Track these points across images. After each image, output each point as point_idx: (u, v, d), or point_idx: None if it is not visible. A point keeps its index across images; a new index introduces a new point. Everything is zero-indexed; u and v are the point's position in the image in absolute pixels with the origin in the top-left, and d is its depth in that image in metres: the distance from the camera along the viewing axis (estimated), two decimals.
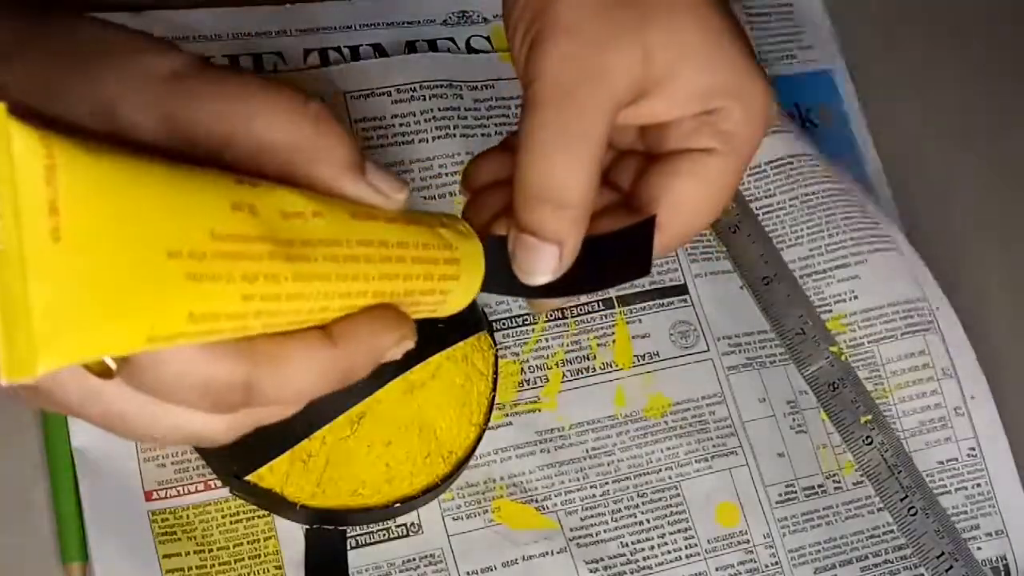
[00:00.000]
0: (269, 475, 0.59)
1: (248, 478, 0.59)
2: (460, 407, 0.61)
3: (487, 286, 0.46)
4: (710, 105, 0.46)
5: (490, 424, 0.64)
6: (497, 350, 0.64)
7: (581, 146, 0.44)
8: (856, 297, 0.73)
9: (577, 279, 0.46)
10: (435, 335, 0.59)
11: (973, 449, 0.72)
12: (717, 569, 0.67)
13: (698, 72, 0.45)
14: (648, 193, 0.48)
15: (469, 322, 0.62)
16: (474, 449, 0.63)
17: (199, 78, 0.38)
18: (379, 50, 0.72)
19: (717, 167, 0.47)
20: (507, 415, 0.67)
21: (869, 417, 0.69)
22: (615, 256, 0.46)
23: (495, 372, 0.63)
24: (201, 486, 0.62)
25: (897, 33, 0.78)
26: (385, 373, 0.58)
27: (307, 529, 0.62)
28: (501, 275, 0.46)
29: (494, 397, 0.63)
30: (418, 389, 0.59)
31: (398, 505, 0.61)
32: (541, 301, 0.50)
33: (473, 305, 0.63)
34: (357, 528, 0.63)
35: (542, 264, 0.45)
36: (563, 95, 0.43)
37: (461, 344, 0.61)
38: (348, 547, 0.62)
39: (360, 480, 0.59)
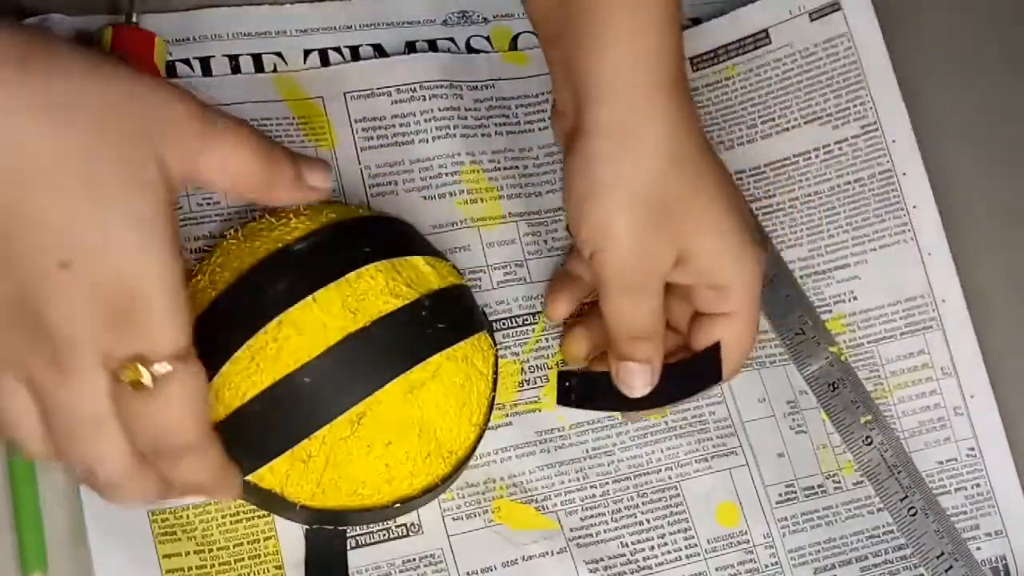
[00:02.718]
0: (269, 475, 0.59)
1: (248, 478, 0.59)
2: (460, 407, 0.61)
3: (598, 406, 0.66)
4: (716, 283, 0.63)
5: (490, 424, 0.64)
6: (497, 350, 0.64)
7: (646, 306, 0.62)
8: (856, 298, 0.73)
9: (668, 392, 0.64)
10: (435, 335, 0.59)
11: (972, 449, 0.72)
12: (717, 569, 0.67)
13: (708, 262, 0.62)
14: (701, 342, 0.64)
15: (469, 322, 0.62)
16: (474, 449, 0.63)
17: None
18: (379, 50, 0.72)
19: (739, 322, 0.64)
20: (507, 415, 0.67)
21: (869, 417, 0.69)
22: (694, 373, 0.64)
23: (495, 372, 0.63)
24: None
25: (898, 28, 0.78)
26: (385, 373, 0.58)
27: (307, 529, 0.62)
28: (608, 396, 0.64)
29: (494, 397, 0.63)
30: (418, 389, 0.59)
31: (398, 505, 0.61)
32: (638, 413, 0.67)
33: (473, 305, 0.63)
34: (357, 528, 0.63)
35: (640, 379, 0.63)
36: (629, 282, 0.61)
37: (461, 344, 0.60)
38: (348, 547, 0.62)
39: (360, 480, 0.59)
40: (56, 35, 0.49)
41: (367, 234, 0.62)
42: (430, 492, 0.62)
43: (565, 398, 0.66)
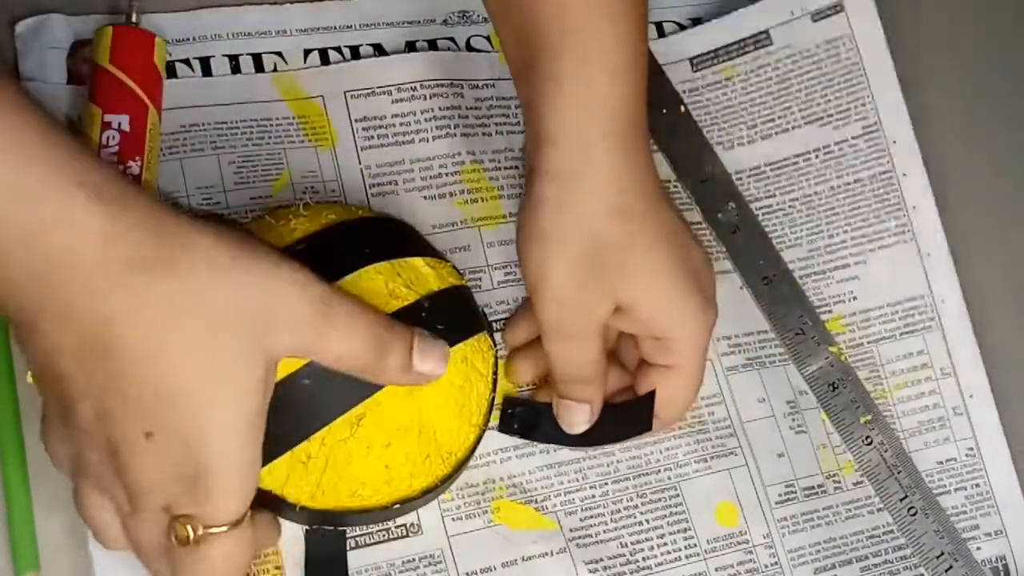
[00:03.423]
0: (269, 476, 0.59)
1: None
2: (459, 408, 0.61)
3: (539, 438, 0.66)
4: (658, 335, 0.63)
5: (490, 424, 0.64)
6: (497, 351, 0.64)
7: (583, 352, 0.63)
8: (855, 298, 0.73)
9: (605, 432, 0.65)
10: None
11: (971, 449, 0.72)
12: (716, 569, 0.67)
13: (648, 314, 0.63)
14: (642, 389, 0.66)
15: (468, 323, 0.62)
16: (473, 450, 0.63)
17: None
18: (379, 50, 0.72)
19: (680, 376, 0.65)
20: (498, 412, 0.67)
21: (869, 417, 0.69)
22: (628, 417, 0.66)
23: (495, 373, 0.63)
24: None
25: (900, 29, 0.78)
26: None
27: (307, 530, 0.62)
28: (549, 429, 0.65)
29: (494, 398, 0.63)
30: (418, 391, 0.59)
31: (397, 506, 0.61)
32: (577, 449, 0.67)
33: (473, 306, 0.63)
34: (357, 529, 0.63)
35: (579, 418, 0.65)
36: (562, 328, 0.63)
37: (461, 345, 0.60)
38: (348, 547, 0.62)
39: (359, 482, 0.59)
40: (188, 215, 0.52)
41: (367, 235, 0.62)
42: (430, 493, 0.62)
43: (508, 426, 0.66)
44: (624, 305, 0.62)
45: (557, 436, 0.65)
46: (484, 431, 0.63)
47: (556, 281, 0.62)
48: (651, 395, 0.65)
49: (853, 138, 0.75)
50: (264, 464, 0.58)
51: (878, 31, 0.75)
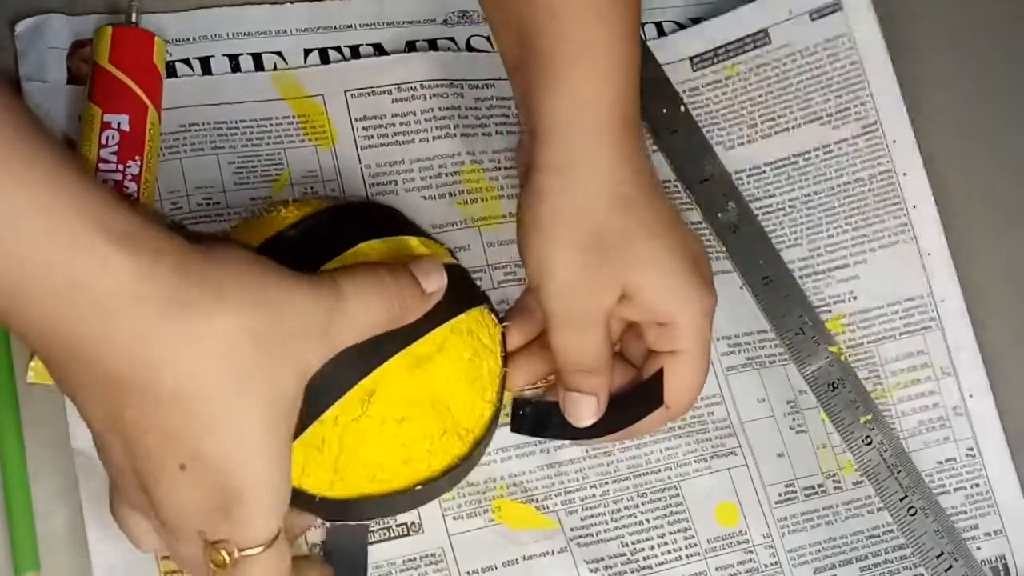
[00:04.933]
0: None
1: None
2: (471, 382, 0.60)
3: (551, 435, 0.66)
4: (661, 320, 0.64)
5: (501, 422, 0.63)
6: (504, 328, 0.64)
7: (589, 341, 0.63)
8: (855, 298, 0.73)
9: (615, 421, 0.65)
10: (432, 309, 0.59)
11: (971, 449, 0.72)
12: (717, 569, 0.67)
13: (652, 298, 0.63)
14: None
15: (468, 296, 0.61)
16: (490, 430, 0.62)
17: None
18: (379, 49, 0.72)
19: (685, 362, 0.64)
20: (508, 414, 0.67)
21: (869, 417, 0.69)
22: (638, 401, 0.65)
23: (504, 349, 0.63)
24: None
25: (898, 28, 0.78)
26: (385, 348, 0.58)
27: (331, 526, 0.61)
28: (557, 425, 0.65)
29: (505, 374, 0.63)
30: (425, 363, 0.58)
31: (419, 487, 0.60)
32: (587, 441, 0.67)
33: (470, 282, 0.63)
34: None
35: (586, 410, 0.64)
36: (569, 317, 0.63)
37: (464, 317, 0.60)
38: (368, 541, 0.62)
39: (377, 463, 0.58)
40: (207, 241, 0.52)
41: (360, 216, 0.62)
42: (450, 473, 0.61)
43: (518, 426, 0.66)
44: (628, 291, 0.63)
45: (566, 431, 0.65)
46: (499, 410, 0.62)
47: (561, 270, 0.62)
48: (659, 373, 0.65)
49: (853, 137, 0.75)
50: None
51: (876, 30, 0.76)
